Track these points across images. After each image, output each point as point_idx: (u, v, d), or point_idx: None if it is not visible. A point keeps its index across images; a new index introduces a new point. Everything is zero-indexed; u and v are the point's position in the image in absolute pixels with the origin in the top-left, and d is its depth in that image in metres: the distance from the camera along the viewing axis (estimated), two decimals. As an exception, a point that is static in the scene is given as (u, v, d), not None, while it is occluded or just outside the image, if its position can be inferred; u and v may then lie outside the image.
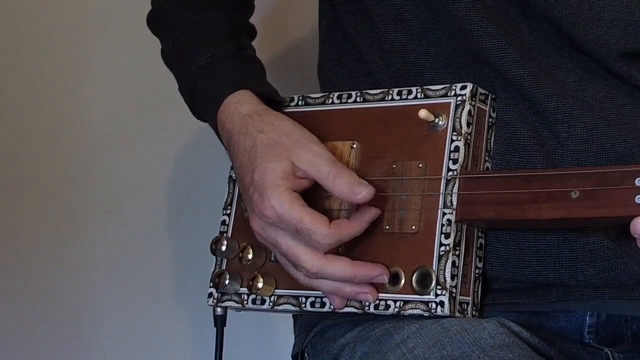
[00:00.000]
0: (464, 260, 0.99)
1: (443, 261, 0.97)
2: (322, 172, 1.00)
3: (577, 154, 1.01)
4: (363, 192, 0.98)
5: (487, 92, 1.03)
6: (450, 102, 1.02)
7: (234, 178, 1.13)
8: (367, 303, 1.00)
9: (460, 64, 1.06)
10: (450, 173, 0.99)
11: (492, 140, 1.03)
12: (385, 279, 0.99)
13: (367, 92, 1.07)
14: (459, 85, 1.02)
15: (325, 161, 1.00)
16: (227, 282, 1.08)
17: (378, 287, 1.00)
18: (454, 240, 0.98)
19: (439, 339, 0.96)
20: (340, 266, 0.99)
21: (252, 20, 1.23)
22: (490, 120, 1.03)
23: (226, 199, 1.14)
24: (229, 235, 1.12)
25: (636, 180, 0.89)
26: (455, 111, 1.01)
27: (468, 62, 1.05)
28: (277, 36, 1.60)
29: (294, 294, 1.06)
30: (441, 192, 0.99)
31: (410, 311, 0.98)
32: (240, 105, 1.07)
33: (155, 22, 1.20)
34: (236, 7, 1.19)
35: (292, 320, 1.22)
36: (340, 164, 1.01)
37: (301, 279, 1.02)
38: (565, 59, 1.04)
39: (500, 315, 1.02)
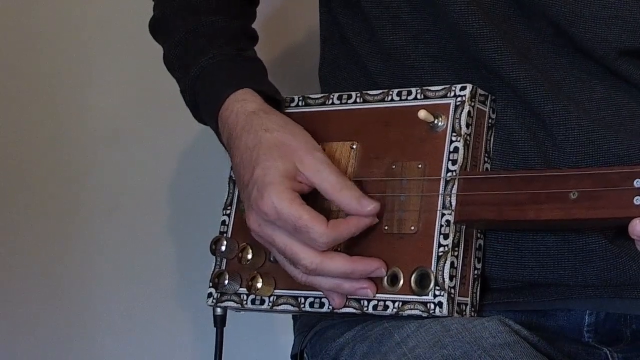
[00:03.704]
0: (462, 261, 0.99)
1: (442, 262, 0.97)
2: (328, 181, 1.00)
3: (574, 156, 1.01)
4: (371, 206, 0.99)
5: (486, 93, 1.03)
6: (449, 103, 1.02)
7: (234, 178, 1.13)
8: (365, 303, 1.00)
9: (459, 66, 1.06)
10: (449, 174, 0.99)
11: (492, 141, 1.03)
12: (383, 272, 0.99)
13: (367, 93, 1.07)
14: (459, 86, 1.02)
15: (330, 170, 1.00)
16: (226, 282, 1.08)
17: (377, 286, 1.00)
18: (453, 241, 0.98)
19: (440, 339, 0.96)
20: (339, 262, 0.99)
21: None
22: (490, 121, 1.03)
23: (226, 199, 1.14)
24: (229, 236, 1.12)
25: (635, 182, 0.89)
26: (454, 112, 1.01)
27: (466, 63, 1.05)
28: (278, 38, 1.60)
29: (293, 294, 1.06)
30: (440, 192, 0.99)
31: (409, 312, 0.98)
32: (246, 103, 1.07)
33: (157, 27, 1.20)
34: (237, 12, 1.19)
35: (292, 320, 1.22)
36: (345, 177, 1.01)
37: (299, 276, 1.01)
38: (562, 60, 1.04)
39: (500, 314, 1.02)
